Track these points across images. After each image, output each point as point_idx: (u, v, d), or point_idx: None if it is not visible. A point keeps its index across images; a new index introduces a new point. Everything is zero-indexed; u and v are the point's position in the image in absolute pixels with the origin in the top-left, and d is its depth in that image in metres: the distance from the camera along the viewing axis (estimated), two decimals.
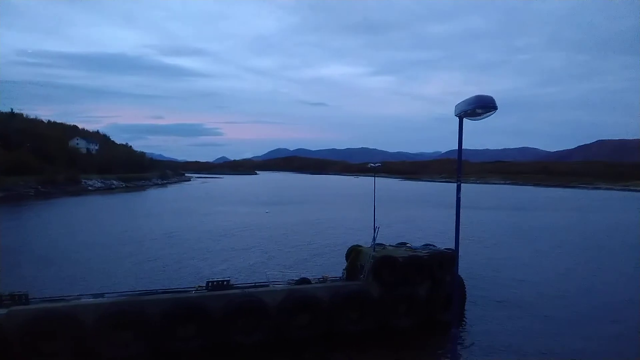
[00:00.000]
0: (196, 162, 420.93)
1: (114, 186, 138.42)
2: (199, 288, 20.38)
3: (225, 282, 20.55)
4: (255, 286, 21.50)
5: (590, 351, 19.97)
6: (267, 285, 21.85)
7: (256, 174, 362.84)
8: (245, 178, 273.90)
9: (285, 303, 19.71)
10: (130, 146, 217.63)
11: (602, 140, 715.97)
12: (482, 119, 8.13)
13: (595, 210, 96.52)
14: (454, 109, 8.43)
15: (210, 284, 20.27)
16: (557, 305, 26.54)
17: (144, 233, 49.54)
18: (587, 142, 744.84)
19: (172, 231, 50.99)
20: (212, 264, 34.83)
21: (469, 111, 7.95)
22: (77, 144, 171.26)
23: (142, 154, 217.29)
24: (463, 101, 8.06)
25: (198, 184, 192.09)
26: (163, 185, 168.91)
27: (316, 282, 22.71)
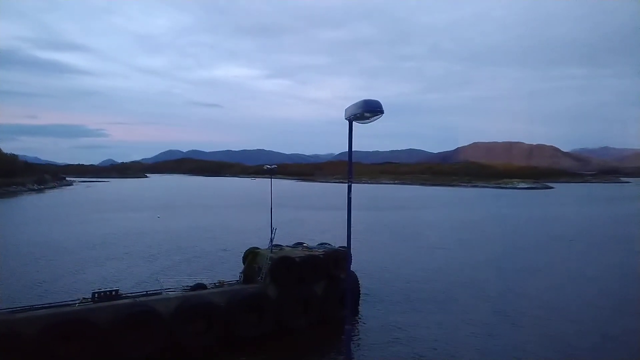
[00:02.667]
0: (79, 165, 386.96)
1: None
2: (84, 300, 18.90)
3: (113, 292, 19.26)
4: (147, 294, 20.44)
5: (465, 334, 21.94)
6: (160, 293, 20.89)
7: (147, 177, 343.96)
8: (134, 182, 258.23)
9: (179, 310, 18.97)
10: None
11: (476, 142, 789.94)
12: (370, 122, 8.55)
13: (472, 206, 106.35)
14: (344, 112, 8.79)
15: (96, 295, 18.87)
16: (441, 297, 28.68)
17: (15, 243, 44.55)
18: (464, 145, 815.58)
19: (51, 240, 46.50)
20: (99, 274, 32.40)
21: (357, 115, 8.32)
22: None
23: (14, 156, 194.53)
24: (352, 105, 8.42)
25: (82, 188, 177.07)
26: (40, 190, 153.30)
27: (212, 287, 22.19)
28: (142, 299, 19.50)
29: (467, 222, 72.02)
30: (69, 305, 18.55)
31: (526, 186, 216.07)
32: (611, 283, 32.84)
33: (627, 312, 25.90)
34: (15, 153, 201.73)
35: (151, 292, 21.06)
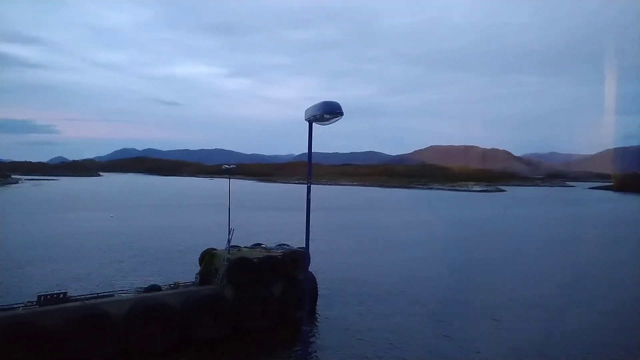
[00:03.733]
0: (26, 162, 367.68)
1: None
2: (29, 303, 18.02)
3: (61, 295, 18.46)
4: (98, 297, 19.71)
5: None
6: (112, 295, 20.20)
7: (100, 175, 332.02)
8: (87, 180, 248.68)
9: (132, 313, 18.42)
10: None
11: (433, 146, 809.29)
12: (330, 123, 8.60)
13: (428, 208, 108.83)
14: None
15: (42, 298, 18.01)
16: (397, 296, 29.16)
17: None
18: (421, 148, 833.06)
19: None
20: (45, 276, 30.96)
21: (317, 116, 8.34)
22: None
23: None
24: (312, 106, 8.43)
25: (28, 187, 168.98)
26: None
27: (167, 289, 21.67)
28: (92, 301, 18.80)
29: (422, 223, 73.62)
30: (12, 308, 17.62)
31: (480, 189, 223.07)
32: (553, 279, 34.42)
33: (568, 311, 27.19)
34: None
35: (102, 294, 20.32)
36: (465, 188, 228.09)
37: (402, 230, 63.74)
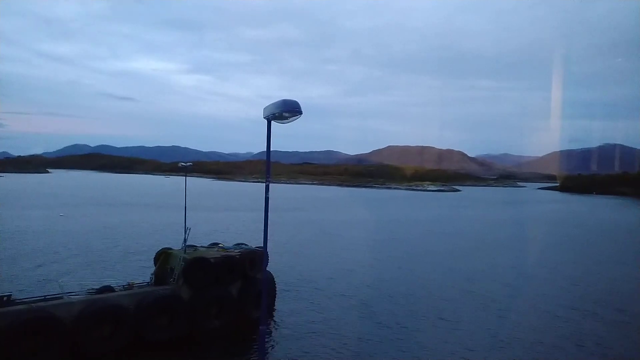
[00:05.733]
0: None
1: None
2: None
3: (5, 298, 17.58)
4: (45, 299, 18.88)
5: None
6: (61, 297, 19.40)
7: (48, 172, 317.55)
8: (34, 177, 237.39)
9: (82, 315, 17.76)
10: None
11: (391, 146, 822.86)
12: (289, 122, 8.61)
13: (384, 207, 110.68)
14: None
15: None
16: (357, 296, 29.52)
17: None
18: (379, 148, 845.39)
19: None
20: None
21: (276, 114, 8.34)
22: None
23: None
24: (271, 104, 8.43)
25: None
26: None
27: (121, 290, 21.03)
28: (39, 304, 17.99)
29: (379, 223, 74.83)
30: None
31: (435, 189, 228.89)
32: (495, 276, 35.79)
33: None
34: None
35: (50, 296, 19.48)
36: (422, 188, 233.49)
37: (362, 229, 64.54)
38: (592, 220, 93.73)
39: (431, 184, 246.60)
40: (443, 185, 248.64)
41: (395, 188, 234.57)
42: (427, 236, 60.61)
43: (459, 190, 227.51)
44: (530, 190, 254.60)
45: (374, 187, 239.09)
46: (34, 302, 18.33)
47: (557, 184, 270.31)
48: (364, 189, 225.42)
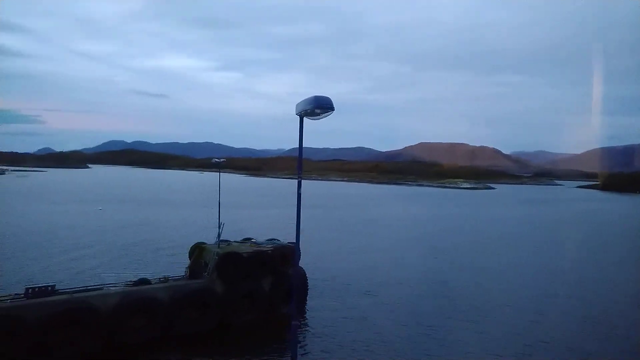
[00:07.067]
0: (12, 153, 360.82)
1: None
2: (17, 296, 17.89)
3: (49, 288, 18.35)
4: (86, 290, 19.62)
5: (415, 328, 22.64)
6: (101, 288, 20.12)
7: (88, 167, 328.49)
8: (75, 172, 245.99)
9: (119, 306, 18.37)
10: None
11: (423, 142, 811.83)
12: (321, 118, 8.59)
13: (418, 204, 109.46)
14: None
15: (29, 290, 17.90)
16: (387, 293, 29.36)
17: None
18: (411, 144, 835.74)
19: None
20: (35, 268, 30.72)
21: (308, 110, 8.34)
22: None
23: None
24: (303, 101, 8.42)
25: (14, 178, 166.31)
26: None
27: (157, 283, 21.63)
28: (80, 294, 18.70)
29: (411, 220, 74.06)
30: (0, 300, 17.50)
31: (469, 186, 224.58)
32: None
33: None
34: None
35: (91, 287, 20.24)
36: (454, 185, 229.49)
37: (394, 227, 64.07)
38: (635, 221, 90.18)
39: (464, 181, 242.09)
40: (476, 182, 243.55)
41: (427, 185, 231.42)
42: (458, 234, 59.61)
43: (493, 188, 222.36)
44: (568, 189, 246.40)
45: (405, 184, 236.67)
46: (75, 292, 19.07)
47: (597, 182, 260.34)
48: (394, 186, 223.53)
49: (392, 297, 27.87)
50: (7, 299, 17.57)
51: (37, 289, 17.95)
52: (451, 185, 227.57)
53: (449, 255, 43.30)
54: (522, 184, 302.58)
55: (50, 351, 16.56)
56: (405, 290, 29.64)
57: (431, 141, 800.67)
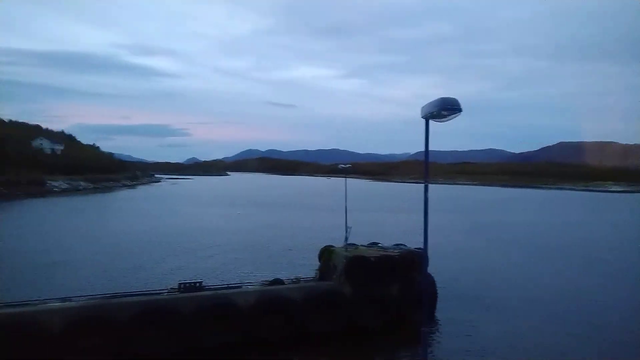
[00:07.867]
0: (166, 163, 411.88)
1: (81, 187, 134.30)
2: (171, 290, 20.20)
3: (197, 284, 20.38)
4: (228, 287, 21.41)
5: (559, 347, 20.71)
6: (240, 287, 21.79)
7: (227, 174, 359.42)
8: (216, 179, 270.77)
9: (257, 304, 19.68)
10: (98, 147, 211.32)
11: (563, 142, 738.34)
12: (447, 120, 8.37)
13: (561, 209, 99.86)
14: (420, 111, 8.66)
15: (182, 285, 20.08)
16: (526, 307, 27.31)
17: (115, 233, 48.51)
18: (549, 144, 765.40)
19: (144, 232, 50.09)
20: (185, 265, 34.41)
21: (434, 113, 8.17)
22: (41, 144, 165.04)
23: (110, 154, 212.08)
24: (429, 103, 8.28)
25: (168, 185, 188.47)
26: (132, 186, 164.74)
27: (289, 283, 22.77)
28: (223, 291, 20.47)
29: (553, 226, 67.84)
30: (158, 294, 19.90)
31: (620, 189, 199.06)
32: None
33: None
34: (111, 151, 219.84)
35: (232, 285, 22.05)
36: (603, 188, 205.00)
37: (534, 234, 59.39)
38: None
39: (615, 184, 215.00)
40: (630, 185, 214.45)
41: (569, 189, 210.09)
42: (607, 244, 53.06)
43: None
44: None
45: (543, 188, 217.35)
46: (218, 289, 20.93)
47: None
48: (530, 189, 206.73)
49: (529, 313, 25.74)
50: (165, 292, 19.92)
51: (188, 285, 20.06)
52: (599, 189, 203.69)
53: (604, 268, 38.71)
54: None
55: (199, 341, 18.33)
56: (544, 308, 27.09)
57: (573, 140, 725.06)
